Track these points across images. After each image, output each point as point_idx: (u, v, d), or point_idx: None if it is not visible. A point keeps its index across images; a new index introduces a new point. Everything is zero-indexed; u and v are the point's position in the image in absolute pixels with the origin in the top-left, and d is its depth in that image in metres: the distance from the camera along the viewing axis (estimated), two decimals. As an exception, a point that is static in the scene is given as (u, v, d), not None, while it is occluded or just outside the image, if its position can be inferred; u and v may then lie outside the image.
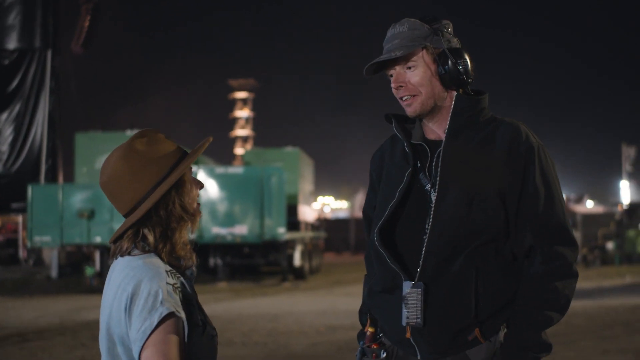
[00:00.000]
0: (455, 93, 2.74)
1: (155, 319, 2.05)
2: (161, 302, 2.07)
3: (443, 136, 2.74)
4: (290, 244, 21.84)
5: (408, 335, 2.68)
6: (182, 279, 2.22)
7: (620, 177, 52.35)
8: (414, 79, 2.69)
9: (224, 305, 15.61)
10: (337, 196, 72.80)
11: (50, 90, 28.83)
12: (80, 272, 20.81)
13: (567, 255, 2.62)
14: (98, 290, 18.92)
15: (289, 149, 26.08)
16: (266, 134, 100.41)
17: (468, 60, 2.71)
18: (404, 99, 2.73)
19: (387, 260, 2.70)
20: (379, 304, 2.84)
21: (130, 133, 21.25)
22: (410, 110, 2.74)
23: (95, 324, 12.38)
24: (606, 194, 71.65)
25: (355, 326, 11.61)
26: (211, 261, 21.40)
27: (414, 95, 2.71)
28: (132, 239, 2.23)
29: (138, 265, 2.16)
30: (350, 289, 19.70)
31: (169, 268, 2.20)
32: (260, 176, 20.83)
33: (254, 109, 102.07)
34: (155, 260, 2.20)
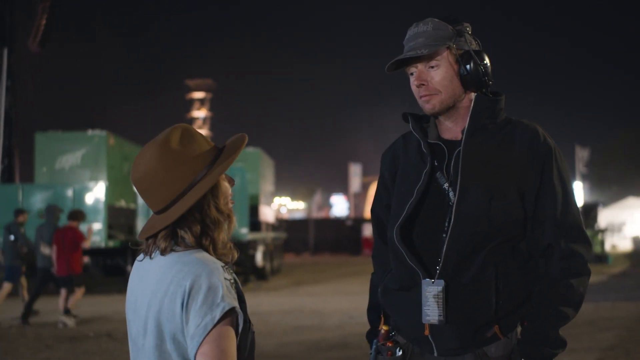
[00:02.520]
0: (473, 94, 2.78)
1: (217, 314, 2.04)
2: (222, 298, 2.06)
3: (460, 136, 2.78)
4: (252, 245, 21.78)
5: (427, 332, 2.71)
6: (234, 274, 2.20)
7: (574, 179, 53.14)
8: (436, 78, 2.73)
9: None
10: (294, 197, 72.79)
11: (7, 88, 28.40)
12: (39, 273, 20.48)
13: (583, 253, 2.69)
14: (57, 291, 18.67)
15: (250, 150, 25.97)
16: (223, 134, 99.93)
17: (488, 63, 2.77)
18: (423, 96, 2.76)
19: (405, 258, 2.73)
20: (394, 302, 2.86)
21: (91, 133, 21.01)
22: (428, 107, 2.77)
23: (58, 325, 12.27)
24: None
25: (322, 326, 11.70)
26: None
27: (434, 94, 2.74)
28: (168, 238, 2.21)
29: (192, 260, 2.14)
30: (313, 289, 19.74)
31: (222, 263, 2.18)
32: (223, 177, 20.68)
33: (211, 109, 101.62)
34: (207, 255, 2.18)
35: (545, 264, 2.70)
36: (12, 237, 13.89)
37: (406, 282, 2.77)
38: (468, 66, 2.72)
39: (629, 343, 10.08)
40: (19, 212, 14.45)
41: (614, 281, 21.14)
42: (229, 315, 2.06)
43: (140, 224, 20.01)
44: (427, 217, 2.75)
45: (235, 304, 2.09)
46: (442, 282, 2.66)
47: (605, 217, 41.29)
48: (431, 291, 2.67)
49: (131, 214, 20.53)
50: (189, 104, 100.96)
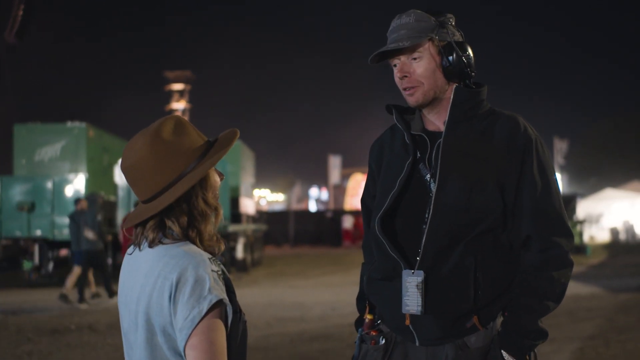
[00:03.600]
0: (455, 85, 2.78)
1: (205, 307, 2.05)
2: (209, 290, 2.06)
3: (442, 127, 2.79)
4: (232, 237, 21.74)
5: (407, 322, 2.74)
6: (222, 265, 2.21)
7: (552, 170, 53.33)
8: (419, 69, 2.74)
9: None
10: (274, 189, 72.68)
11: (-16, 80, 28.20)
12: (18, 266, 20.40)
13: (564, 244, 2.70)
14: (37, 284, 18.59)
15: (231, 141, 25.88)
16: (203, 125, 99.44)
17: (471, 54, 2.78)
18: (406, 89, 2.77)
19: (387, 249, 2.75)
20: (378, 292, 2.89)
21: (70, 125, 20.87)
22: (412, 100, 2.78)
23: (39, 318, 12.23)
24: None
25: (304, 318, 11.72)
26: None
27: (417, 86, 2.75)
28: (156, 229, 2.21)
29: (179, 253, 2.14)
30: (294, 282, 19.74)
31: (209, 255, 2.19)
32: (203, 169, 20.62)
33: (190, 100, 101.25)
34: (194, 248, 2.19)
35: (526, 256, 2.72)
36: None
37: (388, 272, 2.79)
38: (450, 57, 2.73)
39: (609, 332, 10.17)
40: (78, 200, 15.21)
41: (593, 272, 21.31)
42: (216, 307, 2.07)
43: (120, 216, 19.93)
44: (408, 208, 2.77)
45: (223, 295, 2.09)
46: (421, 272, 2.68)
47: (583, 208, 41.57)
48: (411, 282, 2.70)
49: (111, 206, 20.42)
50: (168, 95, 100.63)
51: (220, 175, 2.32)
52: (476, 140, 2.73)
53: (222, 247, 2.29)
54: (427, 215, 2.70)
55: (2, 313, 12.89)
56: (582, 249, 28.98)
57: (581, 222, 31.62)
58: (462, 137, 2.74)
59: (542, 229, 2.69)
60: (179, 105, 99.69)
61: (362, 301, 3.07)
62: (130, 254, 2.31)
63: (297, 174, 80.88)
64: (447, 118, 2.75)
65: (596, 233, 43.35)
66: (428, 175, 2.76)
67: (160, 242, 2.20)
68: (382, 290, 2.85)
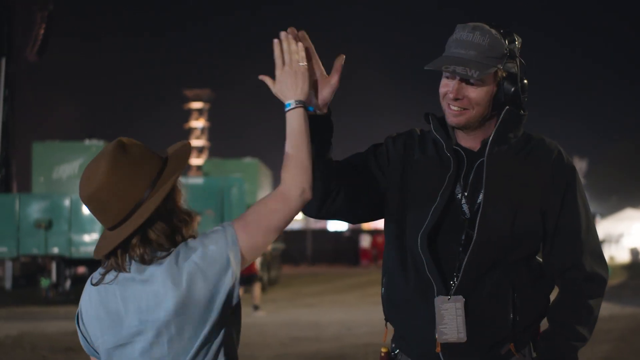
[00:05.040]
0: (496, 111, 2.68)
1: (228, 224, 2.32)
2: (225, 225, 2.33)
3: (477, 146, 2.70)
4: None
5: (438, 349, 2.62)
6: None
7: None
8: (473, 94, 2.61)
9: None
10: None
11: (4, 98, 28.34)
12: (35, 284, 20.45)
13: (605, 276, 2.70)
14: (53, 302, 18.64)
15: (248, 160, 25.99)
16: (221, 144, 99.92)
17: (527, 89, 2.69)
18: (453, 108, 2.64)
19: (425, 269, 2.61)
20: (403, 316, 2.74)
21: (88, 143, 20.98)
22: (454, 121, 2.65)
23: (54, 336, 12.22)
24: (558, 206, 72.44)
25: (319, 338, 11.63)
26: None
27: (466, 109, 2.63)
28: (141, 245, 2.24)
29: (191, 245, 2.28)
30: (311, 301, 19.66)
31: None
32: (221, 187, 20.69)
33: (209, 119, 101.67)
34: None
35: (568, 284, 2.67)
36: None
37: (418, 295, 2.65)
38: (509, 92, 2.63)
39: (627, 355, 10.06)
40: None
41: (613, 292, 21.05)
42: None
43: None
44: (446, 227, 2.64)
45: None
46: (460, 297, 2.58)
47: (603, 228, 41.29)
48: (448, 308, 2.58)
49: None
50: (187, 114, 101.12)
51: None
52: (519, 165, 2.66)
53: None
54: (463, 238, 2.62)
55: (18, 330, 12.89)
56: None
57: (601, 243, 31.32)
58: (503, 159, 2.65)
59: (587, 259, 2.65)
60: (197, 124, 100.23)
61: None
62: (110, 282, 2.30)
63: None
64: (490, 137, 2.64)
65: (616, 253, 43.00)
66: (460, 194, 2.66)
67: (155, 257, 2.24)
68: (409, 314, 2.70)
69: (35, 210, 19.43)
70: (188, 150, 2.39)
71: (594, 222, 2.75)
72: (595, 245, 2.70)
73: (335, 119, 2.67)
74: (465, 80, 2.59)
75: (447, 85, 2.64)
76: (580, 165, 52.42)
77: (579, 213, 2.67)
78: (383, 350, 2.78)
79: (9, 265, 21.25)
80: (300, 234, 48.06)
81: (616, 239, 43.97)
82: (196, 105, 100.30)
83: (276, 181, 32.12)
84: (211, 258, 2.22)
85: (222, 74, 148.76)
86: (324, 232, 52.45)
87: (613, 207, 57.45)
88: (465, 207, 2.64)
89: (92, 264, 20.09)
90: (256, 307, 15.57)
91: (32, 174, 21.28)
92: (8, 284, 21.34)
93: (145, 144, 2.33)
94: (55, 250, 19.29)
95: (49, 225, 19.30)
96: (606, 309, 15.60)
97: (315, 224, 70.13)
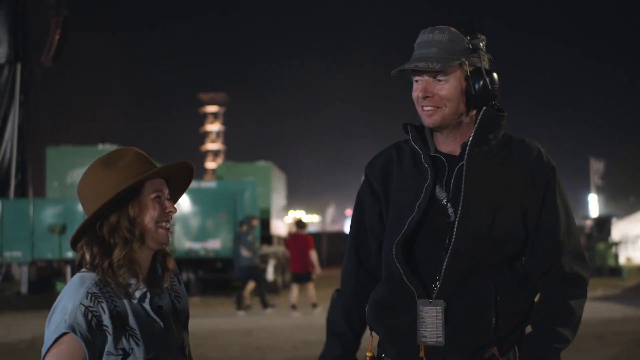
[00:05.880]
0: (474, 111, 2.69)
1: (53, 338, 2.15)
2: (64, 321, 2.15)
3: (458, 150, 2.69)
4: (263, 259, 21.74)
5: (422, 354, 2.61)
6: (105, 303, 2.23)
7: (588, 191, 52.90)
8: (443, 92, 2.62)
9: (197, 320, 15.47)
10: (308, 210, 72.72)
11: (20, 103, 28.51)
12: (51, 288, 20.56)
13: (585, 276, 2.67)
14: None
15: (261, 163, 26.02)
16: (237, 147, 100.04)
17: (497, 82, 2.69)
18: (426, 108, 2.65)
19: (402, 277, 2.62)
20: (385, 322, 2.74)
21: (102, 147, 21.10)
22: (429, 121, 2.66)
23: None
24: (575, 207, 72.23)
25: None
26: (184, 276, 21.24)
27: (438, 107, 2.63)
28: (81, 252, 2.30)
29: (70, 282, 2.27)
30: (324, 304, 19.62)
31: (94, 290, 2.23)
32: (233, 190, 20.75)
33: (224, 122, 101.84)
34: (88, 277, 2.26)
35: (546, 285, 2.65)
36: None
37: (400, 301, 2.66)
38: (477, 85, 2.63)
39: (637, 357, 9.98)
40: (240, 223, 17.74)
41: (628, 294, 20.99)
42: (63, 339, 2.15)
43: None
44: (426, 234, 2.64)
45: (76, 330, 2.14)
46: (441, 301, 2.58)
47: (619, 229, 41.01)
48: (428, 311, 2.58)
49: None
50: (203, 117, 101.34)
51: (163, 207, 2.37)
52: (499, 166, 2.66)
53: (140, 277, 2.33)
54: (447, 242, 2.60)
55: (32, 334, 12.96)
56: (617, 271, 28.57)
57: (617, 244, 31.11)
58: (483, 161, 2.65)
59: (566, 259, 2.63)
60: (213, 127, 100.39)
61: (339, 344, 2.86)
62: None
63: (331, 195, 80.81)
64: (469, 140, 2.65)
65: (633, 255, 42.71)
66: (444, 200, 2.65)
67: (80, 270, 2.31)
68: (391, 320, 2.71)
69: (49, 215, 19.54)
70: (179, 169, 2.44)
71: (574, 222, 2.72)
72: (575, 245, 2.67)
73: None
74: (433, 78, 2.63)
75: (417, 89, 2.67)
76: (598, 167, 52.07)
77: (558, 213, 2.65)
78: (368, 354, 2.80)
79: (24, 269, 21.40)
80: (315, 236, 48.07)
81: (633, 240, 43.63)
82: (211, 108, 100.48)
83: (290, 184, 32.22)
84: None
85: (238, 76, 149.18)
86: (341, 235, 52.44)
87: (630, 208, 57.10)
88: (451, 212, 2.63)
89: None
90: (294, 307, 16.38)
91: (46, 179, 21.40)
92: (24, 288, 21.47)
93: (143, 156, 2.36)
94: (69, 254, 19.39)
95: (63, 229, 19.42)
96: (620, 310, 15.64)
97: (332, 226, 70.17)
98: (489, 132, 2.67)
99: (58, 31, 30.11)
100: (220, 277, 21.94)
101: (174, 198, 2.48)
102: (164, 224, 2.35)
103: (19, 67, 28.84)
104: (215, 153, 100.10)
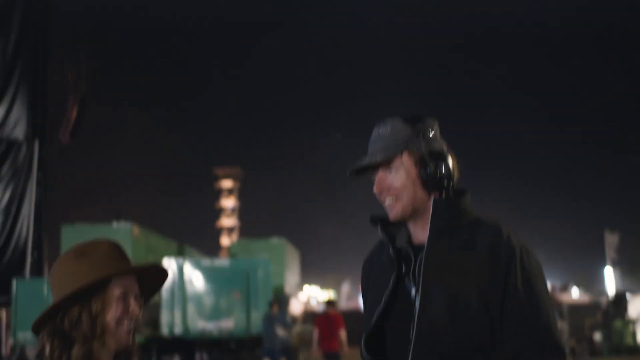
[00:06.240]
0: (437, 194, 2.67)
1: None
2: None
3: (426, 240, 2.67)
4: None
5: None
6: None
7: (604, 264, 52.31)
8: (395, 183, 2.64)
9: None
10: (323, 285, 72.21)
11: (37, 181, 28.65)
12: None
13: None
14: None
15: (275, 241, 26.04)
16: (252, 223, 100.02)
17: (450, 163, 2.66)
18: (386, 203, 2.67)
19: None
20: None
21: (116, 225, 21.22)
22: (392, 215, 2.67)
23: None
24: (591, 281, 71.42)
25: None
26: (197, 357, 21.04)
27: (396, 200, 2.65)
28: (42, 343, 2.27)
29: None
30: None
31: None
32: (247, 269, 20.68)
33: (239, 198, 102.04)
34: None
35: None
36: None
37: None
38: (427, 169, 2.62)
39: None
40: (271, 304, 17.97)
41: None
42: None
43: (164, 317, 19.96)
44: (394, 326, 2.63)
45: None
46: None
47: (636, 305, 40.43)
48: None
49: (155, 307, 20.48)
50: (218, 193, 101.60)
51: (128, 307, 2.32)
52: (458, 253, 2.58)
53: None
54: (412, 334, 2.55)
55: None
56: (636, 350, 28.07)
57: (633, 322, 30.49)
58: (444, 249, 2.60)
59: (531, 349, 2.51)
60: (228, 203, 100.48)
61: None
62: None
63: (346, 270, 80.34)
64: (428, 231, 2.63)
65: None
66: (413, 291, 2.62)
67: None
68: None
69: (63, 294, 19.47)
70: (152, 269, 2.48)
71: (545, 306, 2.56)
72: (543, 332, 2.51)
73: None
74: (384, 171, 2.67)
75: (374, 186, 2.71)
76: (612, 240, 51.56)
77: (519, 298, 2.52)
78: None
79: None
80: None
81: (651, 317, 42.99)
82: (226, 184, 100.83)
83: (303, 261, 32.09)
84: None
85: (252, 151, 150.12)
86: (357, 313, 51.93)
87: (647, 282, 56.42)
88: (417, 303, 2.58)
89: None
90: None
91: (62, 257, 21.44)
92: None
93: (118, 250, 2.38)
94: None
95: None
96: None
97: (347, 302, 69.58)
98: (446, 219, 2.63)
99: (76, 107, 30.44)
100: (234, 357, 21.69)
101: (146, 297, 2.46)
102: (126, 323, 2.30)
103: (37, 144, 29.06)
104: (230, 230, 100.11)
